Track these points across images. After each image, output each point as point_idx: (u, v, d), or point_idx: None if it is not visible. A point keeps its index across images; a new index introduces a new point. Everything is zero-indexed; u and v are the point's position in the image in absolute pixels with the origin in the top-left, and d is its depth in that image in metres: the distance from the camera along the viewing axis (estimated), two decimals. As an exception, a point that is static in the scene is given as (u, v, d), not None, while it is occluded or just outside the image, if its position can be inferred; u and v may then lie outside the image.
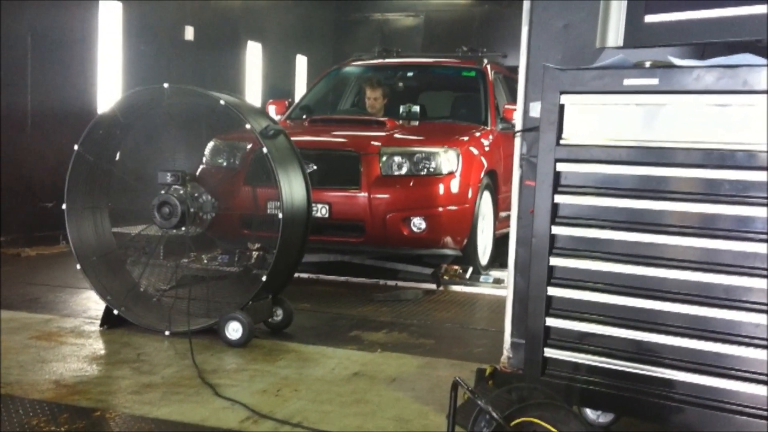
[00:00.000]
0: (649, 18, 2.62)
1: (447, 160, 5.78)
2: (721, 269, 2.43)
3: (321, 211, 5.61)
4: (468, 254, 6.07)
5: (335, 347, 4.07)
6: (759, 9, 2.38)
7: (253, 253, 5.95)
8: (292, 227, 4.19)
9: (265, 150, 4.04)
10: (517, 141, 3.44)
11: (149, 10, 8.71)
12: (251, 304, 4.11)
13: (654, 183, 2.53)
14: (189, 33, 9.45)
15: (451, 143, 5.93)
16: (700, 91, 2.40)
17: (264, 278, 4.07)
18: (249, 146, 5.62)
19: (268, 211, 4.49)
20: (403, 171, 5.71)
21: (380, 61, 7.87)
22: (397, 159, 5.72)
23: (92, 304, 4.84)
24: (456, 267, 6.13)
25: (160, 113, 4.37)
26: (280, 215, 4.05)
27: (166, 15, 9.09)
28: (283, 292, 4.42)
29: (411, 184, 5.70)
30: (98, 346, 4.00)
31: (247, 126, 4.07)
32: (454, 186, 5.76)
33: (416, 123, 6.71)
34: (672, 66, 2.48)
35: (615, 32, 2.72)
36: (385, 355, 3.94)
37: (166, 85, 4.13)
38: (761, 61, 2.38)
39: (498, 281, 5.94)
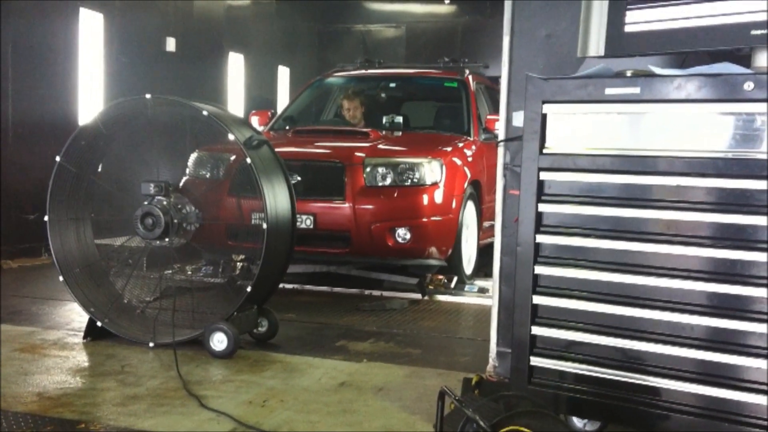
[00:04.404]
0: (630, 27, 2.65)
1: (431, 170, 5.80)
2: (705, 277, 2.45)
3: (306, 221, 5.61)
4: (453, 264, 6.08)
5: (321, 357, 4.07)
6: (738, 19, 2.42)
7: (238, 263, 5.94)
8: (277, 238, 4.19)
9: (249, 161, 4.05)
10: (501, 150, 3.46)
11: (131, 21, 8.69)
12: (236, 315, 4.10)
13: (637, 191, 2.55)
14: (171, 44, 9.43)
15: (435, 154, 5.95)
16: (681, 99, 2.43)
17: (249, 289, 4.07)
18: (233, 157, 5.62)
19: (253, 222, 4.49)
20: (388, 182, 5.73)
21: (363, 71, 7.90)
22: (382, 170, 5.74)
23: (75, 316, 4.81)
24: (441, 277, 6.14)
25: (143, 124, 4.35)
26: (265, 226, 4.05)
27: (148, 26, 9.07)
28: (268, 303, 4.42)
29: (395, 194, 5.71)
30: (82, 358, 3.97)
31: (231, 137, 4.07)
32: (438, 196, 5.78)
33: (399, 133, 6.73)
34: (653, 75, 2.51)
35: (596, 41, 2.75)
36: (371, 365, 3.94)
37: (148, 95, 4.13)
38: (741, 69, 2.41)
39: (483, 290, 5.95)
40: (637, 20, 2.63)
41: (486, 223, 6.60)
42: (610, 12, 2.68)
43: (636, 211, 2.56)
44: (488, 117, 6.68)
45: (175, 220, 4.15)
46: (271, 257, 4.14)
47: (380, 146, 6.10)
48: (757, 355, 2.36)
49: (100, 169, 4.52)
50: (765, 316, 2.35)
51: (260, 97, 11.89)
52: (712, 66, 2.47)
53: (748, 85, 2.30)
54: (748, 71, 2.40)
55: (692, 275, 2.47)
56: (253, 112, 7.36)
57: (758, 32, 2.36)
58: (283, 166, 4.41)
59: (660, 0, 2.57)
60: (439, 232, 5.80)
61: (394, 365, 3.95)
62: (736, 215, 2.38)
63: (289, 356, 4.09)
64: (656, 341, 2.55)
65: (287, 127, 6.98)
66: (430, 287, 6.00)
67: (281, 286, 4.68)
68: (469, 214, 6.28)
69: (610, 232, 2.62)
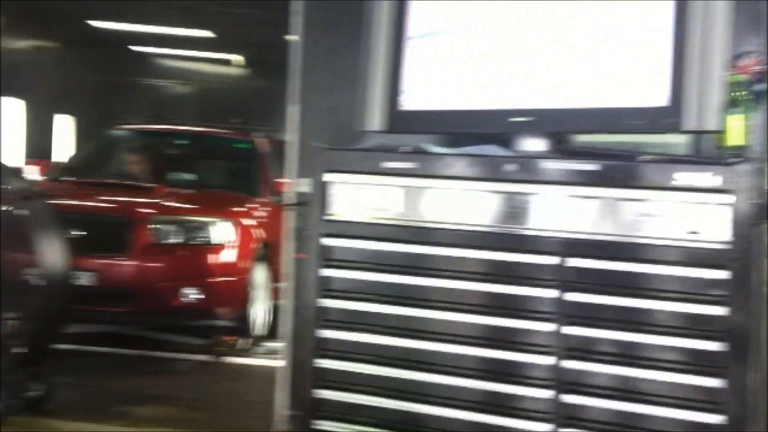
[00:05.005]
0: (405, 107, 2.85)
1: (221, 230, 5.81)
2: (480, 343, 2.60)
3: (88, 278, 5.38)
4: (243, 325, 6.07)
5: (100, 423, 3.90)
6: (498, 105, 2.69)
7: (8, 322, 5.55)
8: (52, 295, 4.02)
9: (21, 212, 3.88)
10: (289, 214, 3.56)
11: None
12: (5, 378, 3.85)
13: (417, 260, 2.70)
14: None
15: (225, 213, 5.98)
16: (451, 176, 2.63)
17: (19, 350, 3.85)
18: (4, 208, 5.30)
19: (25, 278, 4.27)
20: (176, 240, 5.66)
21: (152, 126, 7.80)
22: (170, 227, 5.67)
23: None
24: (231, 338, 6.09)
25: None
26: (38, 282, 3.88)
27: None
28: (43, 365, 4.17)
29: (184, 253, 5.65)
30: None
31: (2, 186, 3.90)
32: (228, 256, 5.79)
33: (189, 191, 6.67)
34: (426, 152, 2.73)
35: (377, 116, 2.92)
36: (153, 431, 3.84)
37: None
38: (502, 152, 2.69)
39: (273, 352, 5.96)
40: (410, 101, 2.85)
41: (277, 285, 6.65)
42: (386, 91, 2.87)
43: (416, 279, 2.71)
44: (278, 180, 6.79)
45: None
46: (45, 316, 3.97)
47: (170, 203, 6.04)
48: (529, 419, 2.52)
49: None
50: (534, 381, 2.53)
51: (41, 146, 11.30)
52: (480, 147, 2.72)
53: (509, 167, 2.57)
54: (511, 153, 2.68)
55: (469, 341, 2.61)
56: (32, 160, 7.02)
57: (515, 120, 2.65)
58: (61, 219, 4.25)
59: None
60: (228, 293, 5.79)
61: (178, 431, 3.87)
62: (505, 286, 2.57)
63: (65, 423, 3.90)
64: (438, 404, 2.65)
65: (70, 179, 6.70)
66: (219, 348, 5.93)
67: (60, 346, 4.45)
68: (260, 275, 6.32)
69: (393, 298, 2.72)
